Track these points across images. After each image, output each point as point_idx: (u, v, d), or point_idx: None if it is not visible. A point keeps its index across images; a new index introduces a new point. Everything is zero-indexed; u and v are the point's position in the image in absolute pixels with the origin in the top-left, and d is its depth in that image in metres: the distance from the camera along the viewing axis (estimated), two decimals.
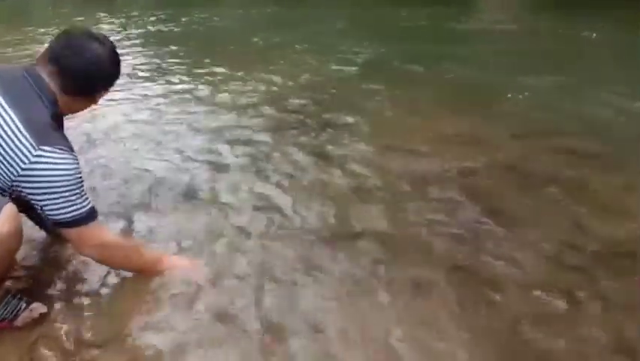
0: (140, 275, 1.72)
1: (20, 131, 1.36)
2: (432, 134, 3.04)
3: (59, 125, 1.55)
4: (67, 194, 1.42)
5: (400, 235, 2.01)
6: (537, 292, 1.64)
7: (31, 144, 1.36)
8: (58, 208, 1.42)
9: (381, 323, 1.53)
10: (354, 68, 4.93)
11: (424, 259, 1.84)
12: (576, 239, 1.93)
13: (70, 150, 1.46)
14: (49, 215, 1.44)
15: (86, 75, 1.53)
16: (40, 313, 1.56)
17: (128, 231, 2.07)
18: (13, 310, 1.52)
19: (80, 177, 1.47)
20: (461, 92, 4.01)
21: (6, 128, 1.35)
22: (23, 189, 1.40)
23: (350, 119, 3.35)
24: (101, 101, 1.71)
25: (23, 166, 1.36)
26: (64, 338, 1.49)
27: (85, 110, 1.71)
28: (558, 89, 3.94)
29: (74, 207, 1.44)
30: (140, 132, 3.25)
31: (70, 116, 1.71)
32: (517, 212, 2.15)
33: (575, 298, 1.61)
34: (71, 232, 1.48)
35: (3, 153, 1.35)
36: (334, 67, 4.98)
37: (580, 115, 3.32)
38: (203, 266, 1.80)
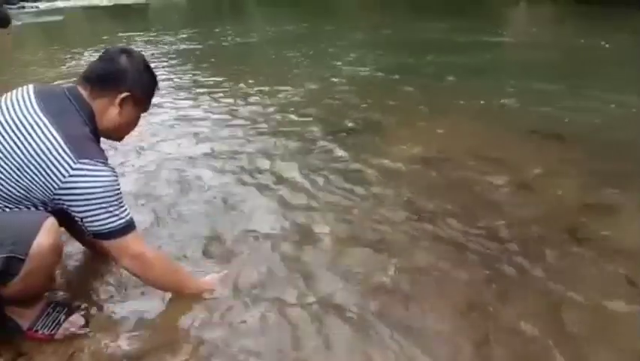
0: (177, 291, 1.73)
1: (60, 146, 1.40)
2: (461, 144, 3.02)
3: (97, 140, 1.58)
4: (105, 205, 1.45)
5: None
6: None
7: (70, 158, 1.40)
8: (98, 220, 1.45)
9: None
10: (384, 74, 5.05)
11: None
12: None
13: (107, 162, 1.49)
14: (89, 227, 1.47)
15: (109, 73, 1.58)
16: (79, 326, 1.59)
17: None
18: (53, 322, 1.56)
19: (118, 189, 1.50)
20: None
21: (47, 142, 1.40)
22: (64, 202, 1.44)
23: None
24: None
25: (63, 179, 1.40)
26: (101, 350, 1.51)
27: (127, 133, 1.74)
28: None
29: (113, 219, 1.47)
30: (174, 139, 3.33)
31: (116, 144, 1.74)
32: None
33: None
34: (110, 243, 1.51)
35: (44, 166, 1.39)
36: (364, 74, 5.03)
37: None
38: (230, 279, 1.81)
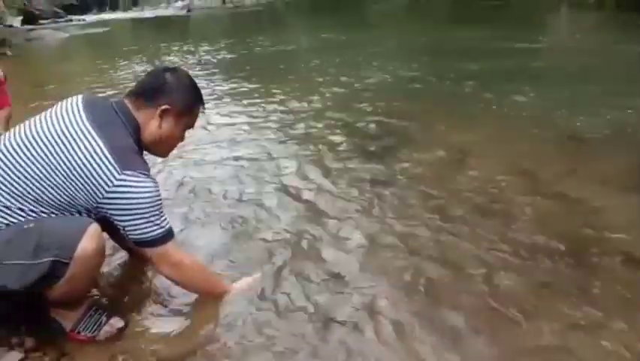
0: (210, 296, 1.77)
1: (106, 157, 1.45)
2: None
3: (141, 153, 1.64)
4: (148, 215, 1.50)
5: None
6: None
7: (115, 169, 1.45)
8: (139, 228, 1.50)
9: None
10: (413, 81, 5.09)
11: None
12: None
13: (149, 174, 1.54)
14: (130, 235, 1.52)
15: (152, 86, 1.66)
16: (119, 328, 1.64)
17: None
18: (95, 324, 1.61)
19: (160, 200, 1.55)
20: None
21: (92, 153, 1.45)
22: (107, 211, 1.50)
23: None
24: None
25: (107, 189, 1.45)
26: (140, 353, 1.55)
27: (170, 149, 1.78)
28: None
29: (154, 228, 1.52)
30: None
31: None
32: None
33: None
34: (151, 251, 1.56)
35: (90, 176, 1.45)
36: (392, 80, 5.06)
37: None
38: (259, 283, 1.84)
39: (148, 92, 1.65)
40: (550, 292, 1.73)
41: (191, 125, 1.77)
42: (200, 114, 1.79)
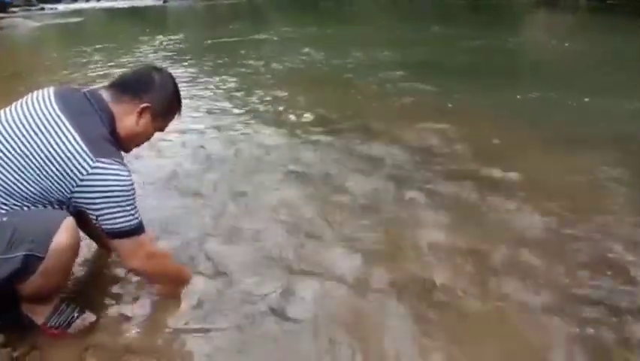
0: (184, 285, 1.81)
1: (79, 145, 1.45)
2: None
3: (115, 141, 1.63)
4: (123, 204, 1.50)
5: None
6: None
7: (89, 157, 1.45)
8: (114, 218, 1.50)
9: None
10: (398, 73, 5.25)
11: None
12: None
13: (124, 162, 1.54)
14: (105, 225, 1.51)
15: (137, 81, 1.66)
16: (91, 322, 1.64)
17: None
18: (66, 319, 1.61)
19: (134, 190, 1.55)
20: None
21: (65, 141, 1.44)
22: (81, 200, 1.48)
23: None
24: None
25: (81, 177, 1.45)
26: (112, 346, 1.56)
27: (137, 145, 1.77)
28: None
29: (129, 218, 1.52)
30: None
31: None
32: None
33: None
34: (124, 243, 1.55)
35: (64, 165, 1.44)
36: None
37: None
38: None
39: (132, 87, 1.64)
40: None
41: (163, 128, 1.78)
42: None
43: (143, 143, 1.78)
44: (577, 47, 6.66)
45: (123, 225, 1.52)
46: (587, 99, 4.07)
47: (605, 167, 2.73)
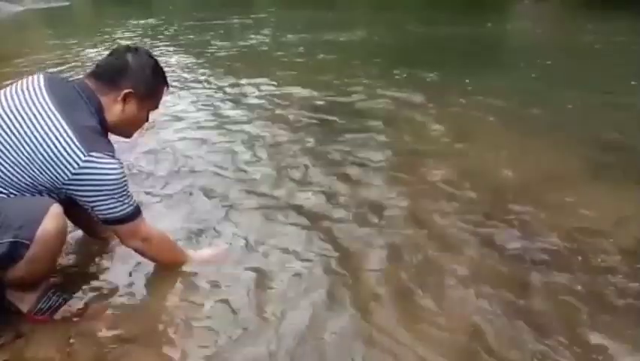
0: (170, 271, 1.81)
1: (70, 138, 1.44)
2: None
3: (106, 133, 1.63)
4: (116, 195, 1.52)
5: None
6: None
7: (80, 150, 1.44)
8: (108, 208, 1.52)
9: None
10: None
11: None
12: None
13: (115, 155, 1.54)
14: (100, 214, 1.53)
15: (114, 69, 1.64)
16: (78, 309, 1.64)
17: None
18: (53, 306, 1.61)
19: (126, 179, 1.56)
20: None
21: (57, 134, 1.44)
22: (74, 192, 1.49)
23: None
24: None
25: (73, 171, 1.45)
26: (98, 333, 1.56)
27: (134, 130, 1.78)
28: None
29: (123, 206, 1.55)
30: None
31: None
32: None
33: None
34: (121, 228, 1.59)
35: (55, 158, 1.43)
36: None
37: None
38: (226, 251, 1.93)
39: (109, 75, 1.63)
40: None
41: (155, 107, 1.78)
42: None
43: (140, 126, 1.78)
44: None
45: (117, 214, 1.54)
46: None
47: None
